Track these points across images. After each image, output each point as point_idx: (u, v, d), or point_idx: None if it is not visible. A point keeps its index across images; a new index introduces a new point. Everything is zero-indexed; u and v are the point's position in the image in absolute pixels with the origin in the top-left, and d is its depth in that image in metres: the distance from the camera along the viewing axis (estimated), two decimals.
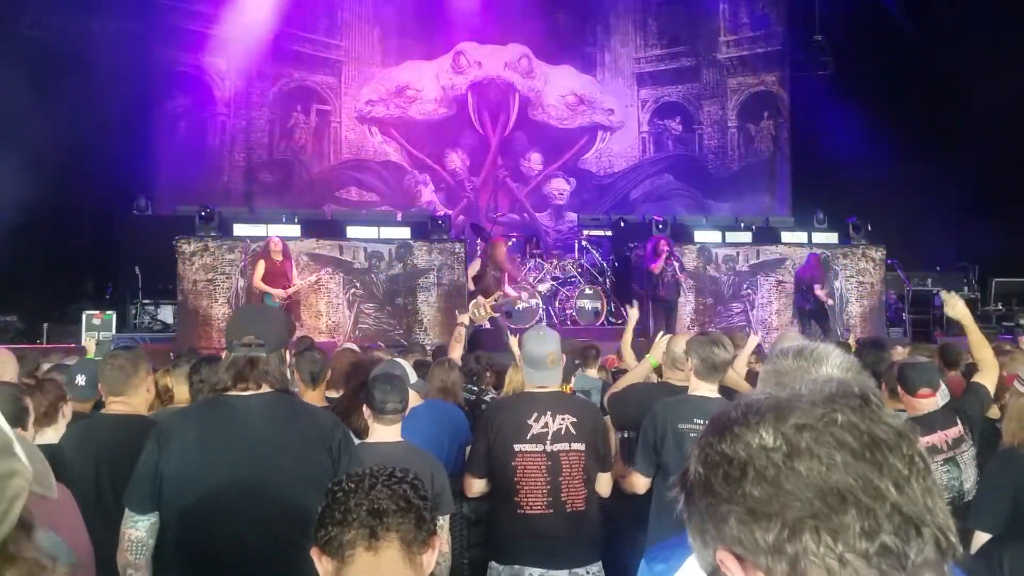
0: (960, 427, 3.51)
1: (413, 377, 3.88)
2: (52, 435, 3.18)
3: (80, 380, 3.69)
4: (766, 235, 12.30)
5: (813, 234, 12.22)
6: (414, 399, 3.82)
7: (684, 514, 0.84)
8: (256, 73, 14.50)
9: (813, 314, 10.64)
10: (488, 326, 9.35)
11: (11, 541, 0.98)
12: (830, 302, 10.75)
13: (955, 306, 4.18)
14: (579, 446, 3.31)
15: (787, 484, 0.75)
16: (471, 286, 10.04)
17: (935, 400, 3.59)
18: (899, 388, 3.68)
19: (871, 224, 12.17)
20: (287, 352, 2.69)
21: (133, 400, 3.34)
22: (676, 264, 10.37)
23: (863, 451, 0.76)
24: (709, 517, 0.80)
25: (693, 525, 0.83)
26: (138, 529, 2.45)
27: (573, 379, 5.05)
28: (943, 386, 3.67)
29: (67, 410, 3.30)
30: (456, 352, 4.86)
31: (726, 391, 3.46)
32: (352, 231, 10.83)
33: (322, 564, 1.58)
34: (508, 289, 10.02)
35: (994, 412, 3.99)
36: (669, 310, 10.47)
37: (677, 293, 10.51)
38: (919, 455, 0.78)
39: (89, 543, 2.40)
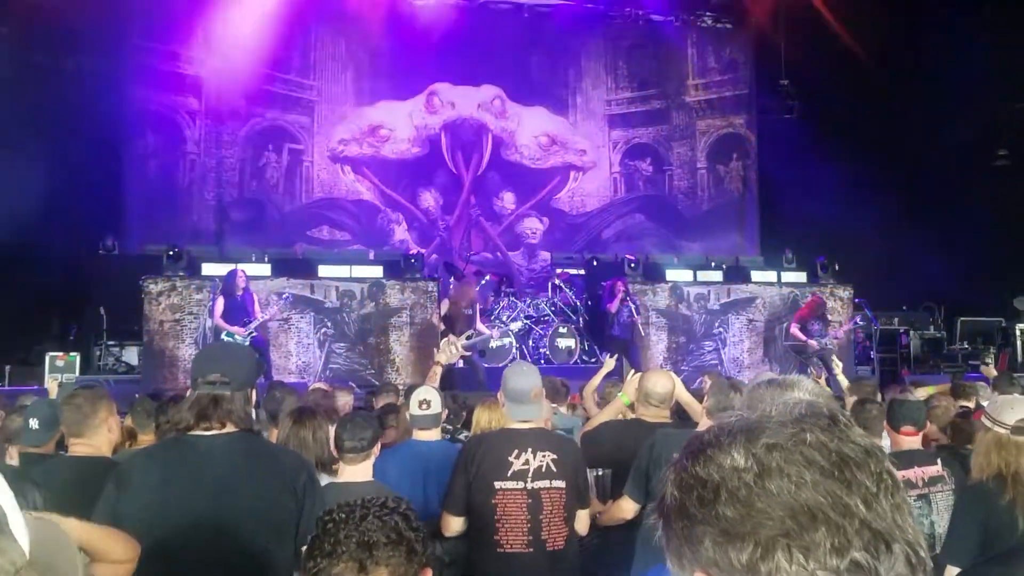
0: (940, 468, 3.52)
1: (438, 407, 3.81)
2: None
3: (33, 424, 3.56)
4: (736, 274, 12.43)
5: (782, 273, 12.36)
6: (431, 433, 3.78)
7: (663, 540, 0.84)
8: (228, 112, 14.45)
9: (817, 355, 10.59)
10: (462, 365, 9.28)
11: None
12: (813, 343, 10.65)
13: None
14: (560, 483, 3.28)
15: (759, 503, 0.76)
16: (440, 326, 9.97)
17: (917, 439, 3.63)
18: (884, 423, 3.74)
19: (839, 263, 12.34)
20: (253, 392, 2.64)
21: (94, 441, 3.24)
22: (632, 306, 10.43)
23: (832, 469, 0.77)
24: (685, 540, 0.81)
25: (671, 549, 0.83)
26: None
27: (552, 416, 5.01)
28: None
29: (13, 452, 3.24)
30: None
31: None
32: (324, 270, 10.73)
33: None
34: (480, 326, 9.97)
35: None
36: (624, 349, 10.47)
37: (632, 334, 10.52)
38: (887, 472, 0.79)
39: None
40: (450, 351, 4.91)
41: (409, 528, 1.58)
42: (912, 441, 3.60)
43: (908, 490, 3.31)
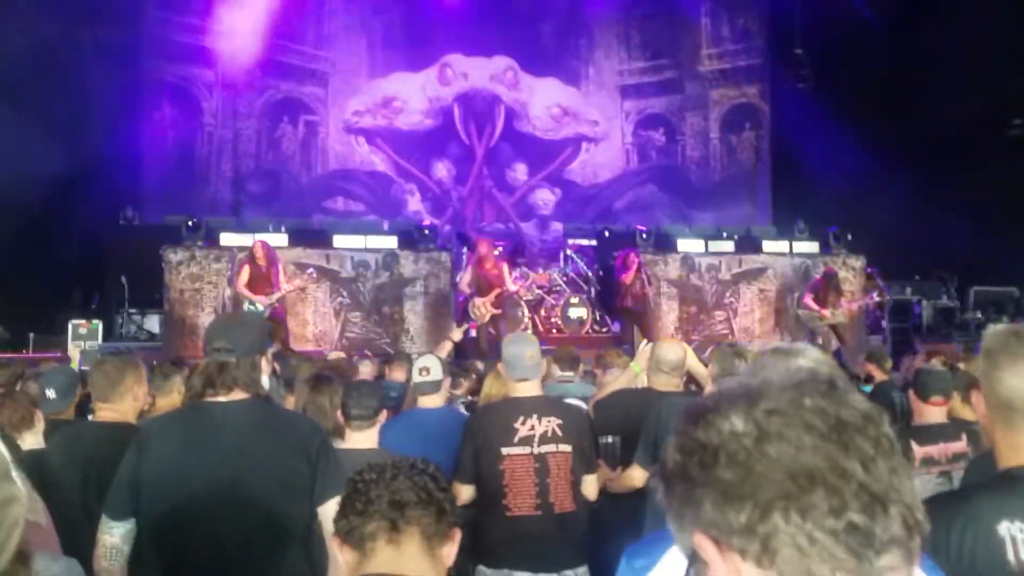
0: (965, 443, 3.52)
1: (438, 375, 3.83)
2: (32, 441, 3.16)
3: (50, 393, 3.61)
4: (748, 244, 12.45)
5: (794, 243, 12.37)
6: (433, 400, 3.85)
7: (664, 502, 0.87)
8: (244, 84, 14.53)
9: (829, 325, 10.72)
10: (473, 335, 9.41)
11: (8, 574, 0.96)
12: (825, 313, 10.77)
13: None
14: (566, 447, 3.35)
15: (758, 467, 0.78)
16: (467, 290, 9.69)
17: (944, 410, 3.62)
18: (911, 393, 3.73)
19: (851, 233, 12.33)
20: (262, 359, 2.68)
21: (120, 407, 3.27)
22: (644, 277, 10.52)
23: (830, 433, 0.78)
24: (686, 502, 0.83)
25: (672, 511, 0.86)
26: (112, 535, 2.46)
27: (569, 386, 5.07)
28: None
29: (39, 416, 3.27)
30: None
31: None
32: (339, 240, 10.87)
33: (343, 554, 1.59)
34: (510, 285, 9.82)
35: (968, 414, 3.96)
36: (636, 320, 10.60)
37: (645, 305, 10.63)
38: (885, 436, 0.80)
39: (59, 547, 2.33)
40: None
41: (439, 489, 1.62)
42: (939, 412, 3.59)
43: (929, 467, 3.42)
